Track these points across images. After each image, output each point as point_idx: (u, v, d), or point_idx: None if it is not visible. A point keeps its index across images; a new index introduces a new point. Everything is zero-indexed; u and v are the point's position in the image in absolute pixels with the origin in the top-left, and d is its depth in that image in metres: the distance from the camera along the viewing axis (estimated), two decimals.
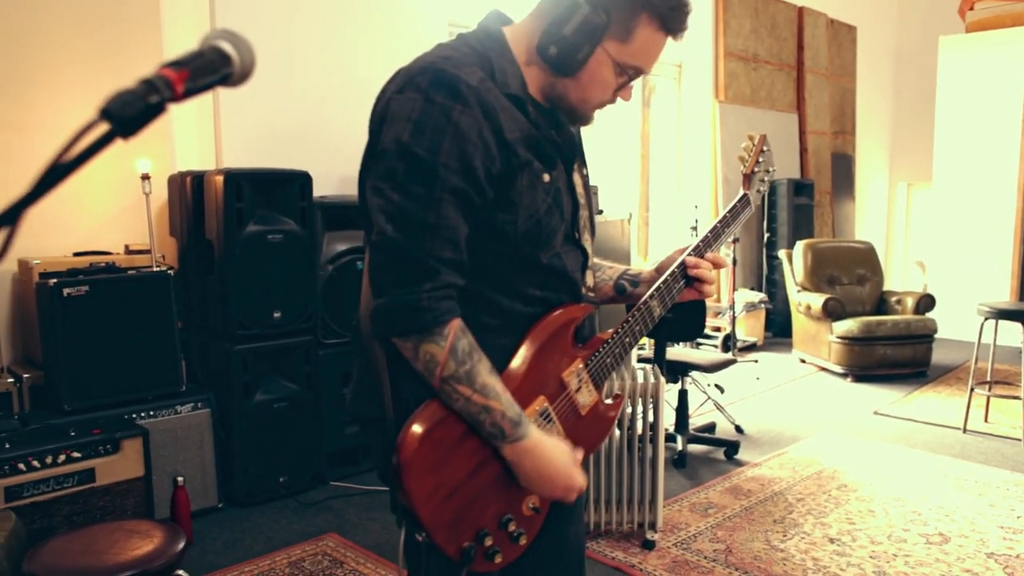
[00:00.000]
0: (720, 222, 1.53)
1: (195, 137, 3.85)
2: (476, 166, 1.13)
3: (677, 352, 4.21)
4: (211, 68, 0.69)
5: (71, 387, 3.01)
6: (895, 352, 5.49)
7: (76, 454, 2.73)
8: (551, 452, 1.22)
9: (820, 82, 8.05)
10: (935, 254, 7.45)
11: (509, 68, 1.22)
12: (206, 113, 3.81)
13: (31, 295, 3.20)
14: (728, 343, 6.13)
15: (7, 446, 2.65)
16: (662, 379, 3.02)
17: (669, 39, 1.25)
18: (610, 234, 4.22)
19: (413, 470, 1.15)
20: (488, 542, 1.24)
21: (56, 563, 1.82)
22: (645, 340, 4.00)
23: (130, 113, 0.60)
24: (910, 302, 5.80)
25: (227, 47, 0.71)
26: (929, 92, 7.79)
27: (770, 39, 7.46)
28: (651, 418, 3.00)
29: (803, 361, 6.04)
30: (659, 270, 1.48)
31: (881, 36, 9.20)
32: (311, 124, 3.97)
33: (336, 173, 3.95)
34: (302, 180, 3.52)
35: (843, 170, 8.54)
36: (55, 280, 2.98)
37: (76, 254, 3.37)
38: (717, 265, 1.47)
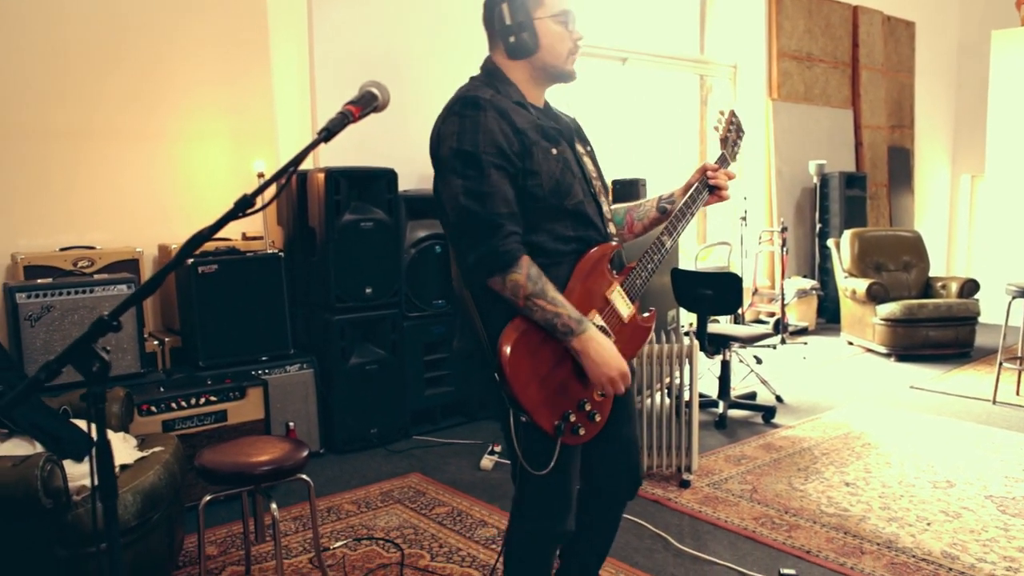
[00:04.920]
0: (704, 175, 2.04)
1: (297, 141, 4.51)
2: (504, 147, 1.69)
3: (718, 327, 4.66)
4: (368, 102, 1.26)
5: (204, 347, 3.68)
6: (937, 334, 5.80)
7: (213, 398, 3.39)
8: (605, 343, 1.73)
9: (876, 78, 8.31)
10: (985, 242, 7.64)
11: (509, 86, 1.82)
12: (306, 120, 4.46)
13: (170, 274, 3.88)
14: (778, 327, 6.51)
15: (161, 389, 3.32)
16: (695, 342, 3.50)
17: None
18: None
19: (510, 368, 1.68)
20: (572, 419, 1.77)
21: (217, 459, 2.44)
22: (693, 317, 4.43)
23: (336, 129, 1.16)
24: (954, 287, 6.08)
25: (376, 91, 1.28)
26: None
27: (824, 38, 7.77)
28: (687, 376, 3.49)
29: (850, 343, 6.38)
30: (685, 188, 2.01)
31: (941, 31, 9.35)
32: (396, 128, 4.56)
33: (417, 170, 4.54)
34: (389, 176, 4.13)
35: (900, 163, 8.76)
36: (191, 260, 3.65)
37: None
38: (729, 176, 2.02)
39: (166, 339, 3.86)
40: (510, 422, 1.77)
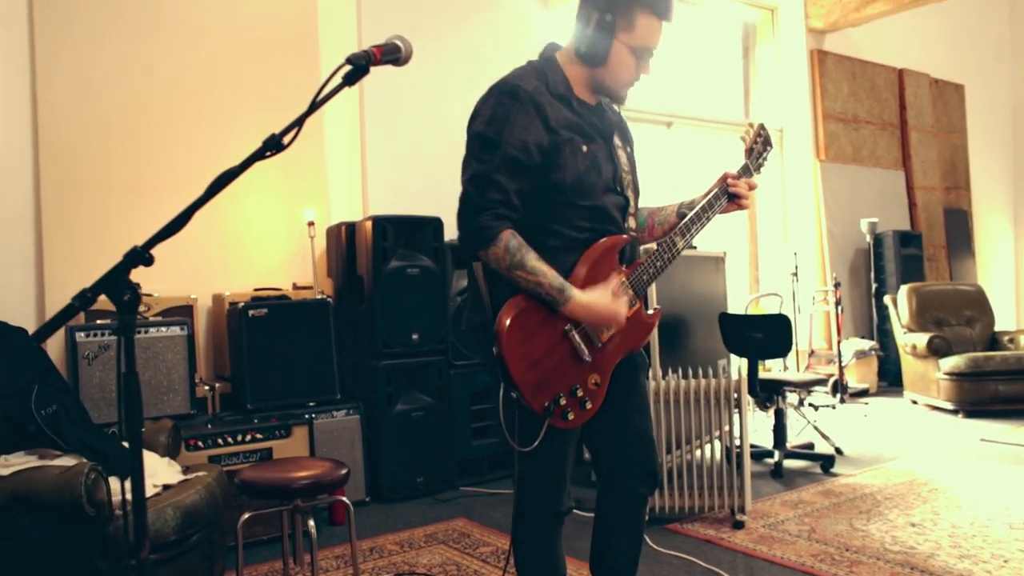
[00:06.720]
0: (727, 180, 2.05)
1: (346, 193, 4.67)
2: (527, 142, 1.74)
3: (770, 374, 4.54)
4: (391, 51, 1.31)
5: (253, 390, 3.72)
6: (1008, 388, 5.54)
7: (259, 435, 3.42)
8: (593, 301, 1.75)
9: (926, 139, 8.25)
10: None
11: (558, 77, 1.85)
12: (355, 171, 4.63)
13: (222, 321, 3.99)
14: (836, 388, 6.31)
15: (209, 427, 3.36)
16: (744, 378, 3.42)
17: (664, 23, 1.84)
18: (705, 268, 4.63)
19: (506, 343, 1.70)
20: (562, 402, 1.77)
21: (259, 476, 2.44)
22: (743, 362, 4.32)
23: (357, 62, 1.21)
24: (1023, 340, 5.84)
25: (400, 43, 1.34)
26: None
27: (870, 100, 7.79)
28: (736, 417, 3.39)
29: (914, 402, 6.12)
30: (705, 194, 2.02)
31: (993, 94, 9.31)
32: (442, 177, 4.65)
33: None
34: (435, 224, 4.22)
35: (958, 225, 8.58)
36: (242, 304, 3.75)
37: (256, 290, 4.15)
38: (751, 187, 2.02)
39: (216, 385, 3.93)
40: (500, 397, 1.78)
